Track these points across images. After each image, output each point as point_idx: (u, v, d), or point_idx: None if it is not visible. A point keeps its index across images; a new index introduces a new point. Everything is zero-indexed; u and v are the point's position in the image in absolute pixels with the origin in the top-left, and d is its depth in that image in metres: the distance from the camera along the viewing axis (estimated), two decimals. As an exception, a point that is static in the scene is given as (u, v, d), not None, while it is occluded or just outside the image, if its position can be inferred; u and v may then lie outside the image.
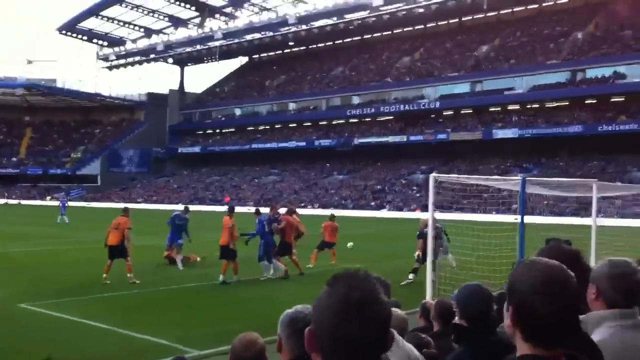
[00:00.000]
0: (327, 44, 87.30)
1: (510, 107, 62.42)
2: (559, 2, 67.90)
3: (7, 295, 12.82)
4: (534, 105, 61.08)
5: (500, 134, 59.19)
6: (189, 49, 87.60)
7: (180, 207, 21.76)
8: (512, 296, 1.71)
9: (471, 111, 64.76)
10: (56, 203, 54.66)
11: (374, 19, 74.01)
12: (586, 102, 57.60)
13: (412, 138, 65.64)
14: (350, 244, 19.87)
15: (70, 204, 68.49)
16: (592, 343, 2.17)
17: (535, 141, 57.49)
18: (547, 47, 62.34)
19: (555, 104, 59.67)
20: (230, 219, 15.17)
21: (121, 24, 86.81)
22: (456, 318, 3.54)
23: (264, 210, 17.96)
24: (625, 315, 2.42)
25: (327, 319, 1.45)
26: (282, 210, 17.87)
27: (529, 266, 1.73)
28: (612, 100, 56.43)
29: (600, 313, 2.46)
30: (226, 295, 13.62)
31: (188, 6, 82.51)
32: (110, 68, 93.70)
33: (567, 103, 58.75)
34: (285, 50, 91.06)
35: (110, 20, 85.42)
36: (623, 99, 55.70)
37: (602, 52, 56.94)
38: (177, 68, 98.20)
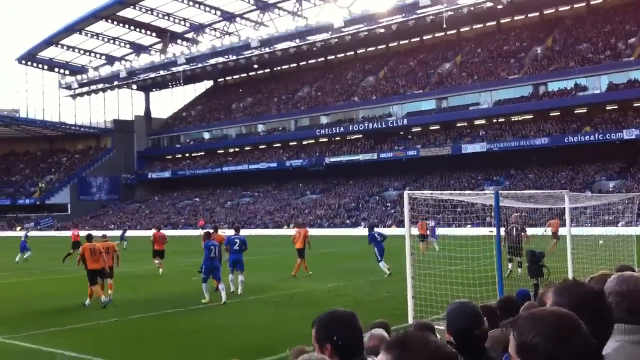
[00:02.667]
0: (292, 65, 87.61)
1: (476, 122, 63.29)
2: (515, 18, 69.29)
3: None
4: (499, 120, 62.07)
5: (469, 148, 59.87)
6: (152, 75, 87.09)
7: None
8: (531, 352, 1.65)
9: (439, 127, 65.47)
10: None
11: (336, 40, 74.58)
12: (550, 114, 58.68)
13: (383, 155, 66.05)
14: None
15: (40, 233, 67.31)
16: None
17: (504, 154, 58.27)
18: (508, 62, 63.52)
19: (520, 118, 60.67)
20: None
21: (82, 52, 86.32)
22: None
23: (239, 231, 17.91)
24: (632, 331, 2.43)
25: None
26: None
27: (535, 319, 1.69)
28: (576, 112, 57.65)
29: None
30: (204, 321, 13.51)
31: (149, 33, 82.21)
32: (73, 96, 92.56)
33: (531, 116, 59.76)
34: (250, 73, 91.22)
35: (71, 49, 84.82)
36: (585, 110, 56.99)
37: (562, 66, 58.18)
38: (142, 94, 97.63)
